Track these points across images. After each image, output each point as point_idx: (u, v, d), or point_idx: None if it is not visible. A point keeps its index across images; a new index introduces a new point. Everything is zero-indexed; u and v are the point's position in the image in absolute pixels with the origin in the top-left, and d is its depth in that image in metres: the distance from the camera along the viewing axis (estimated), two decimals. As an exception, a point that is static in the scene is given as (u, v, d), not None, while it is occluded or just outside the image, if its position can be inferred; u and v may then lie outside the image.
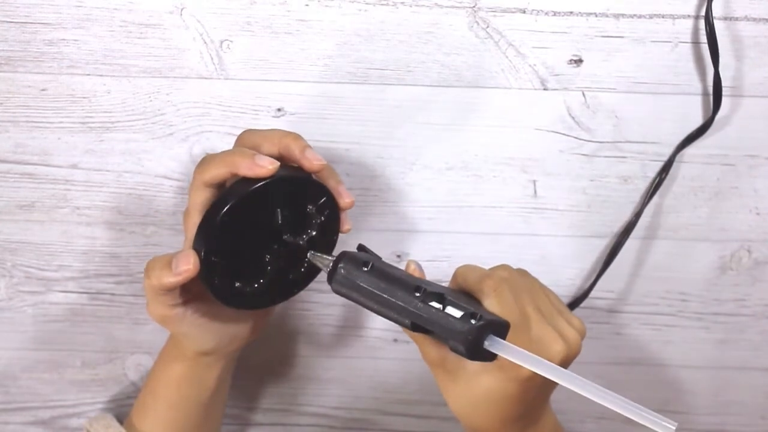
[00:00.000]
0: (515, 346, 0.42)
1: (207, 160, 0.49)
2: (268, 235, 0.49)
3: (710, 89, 0.57)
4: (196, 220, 0.48)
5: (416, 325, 0.43)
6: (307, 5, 0.55)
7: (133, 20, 0.56)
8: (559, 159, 0.60)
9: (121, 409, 0.67)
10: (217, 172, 0.47)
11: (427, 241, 0.62)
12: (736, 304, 0.64)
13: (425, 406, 0.68)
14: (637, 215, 0.60)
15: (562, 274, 0.63)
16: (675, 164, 0.59)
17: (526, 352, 0.41)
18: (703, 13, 0.56)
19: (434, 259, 0.63)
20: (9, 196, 0.60)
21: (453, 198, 0.61)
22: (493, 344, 0.42)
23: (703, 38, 0.56)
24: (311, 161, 0.48)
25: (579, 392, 0.39)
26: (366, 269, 0.45)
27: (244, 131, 0.52)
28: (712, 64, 0.56)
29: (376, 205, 0.61)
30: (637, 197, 0.61)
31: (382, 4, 0.55)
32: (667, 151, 0.59)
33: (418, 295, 0.43)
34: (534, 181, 0.60)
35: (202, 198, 0.48)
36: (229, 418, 0.67)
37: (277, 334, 0.65)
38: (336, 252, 0.49)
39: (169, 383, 0.56)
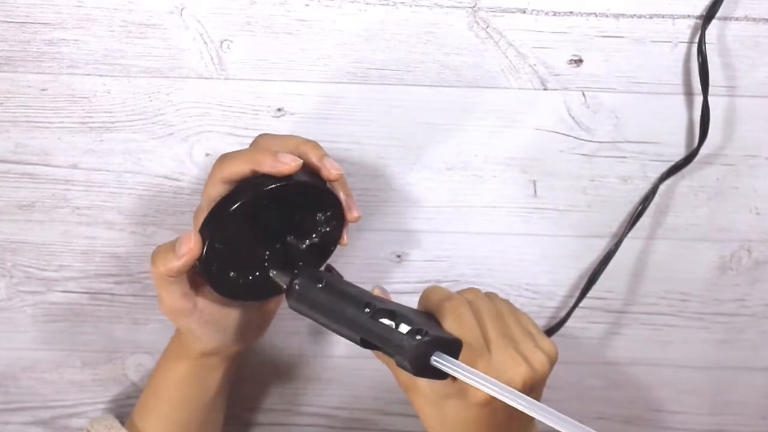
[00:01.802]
0: (463, 364, 0.40)
1: (227, 157, 0.48)
2: (272, 233, 0.49)
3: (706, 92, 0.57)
4: None
5: (365, 341, 0.44)
6: (307, 5, 0.55)
7: (133, 20, 0.55)
8: (559, 159, 0.60)
9: (122, 409, 0.67)
10: (237, 169, 0.47)
11: (427, 241, 0.62)
12: (736, 304, 0.64)
13: (425, 406, 0.68)
14: (636, 217, 0.60)
15: (562, 274, 0.63)
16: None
17: (473, 369, 0.40)
18: (702, 12, 0.56)
19: (434, 259, 0.63)
20: (9, 196, 0.60)
21: (453, 198, 0.61)
22: (440, 361, 0.41)
23: (704, 39, 0.56)
24: (329, 170, 0.48)
25: (525, 412, 0.38)
26: (320, 286, 0.46)
27: (261, 135, 0.52)
28: (702, 92, 0.56)
29: (376, 205, 0.61)
30: (637, 197, 0.61)
31: (382, 4, 0.55)
32: (668, 152, 0.59)
33: (367, 311, 0.43)
34: (534, 181, 0.60)
35: (217, 194, 0.48)
36: (230, 419, 0.67)
37: (277, 334, 0.65)
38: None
39: (173, 383, 0.55)
